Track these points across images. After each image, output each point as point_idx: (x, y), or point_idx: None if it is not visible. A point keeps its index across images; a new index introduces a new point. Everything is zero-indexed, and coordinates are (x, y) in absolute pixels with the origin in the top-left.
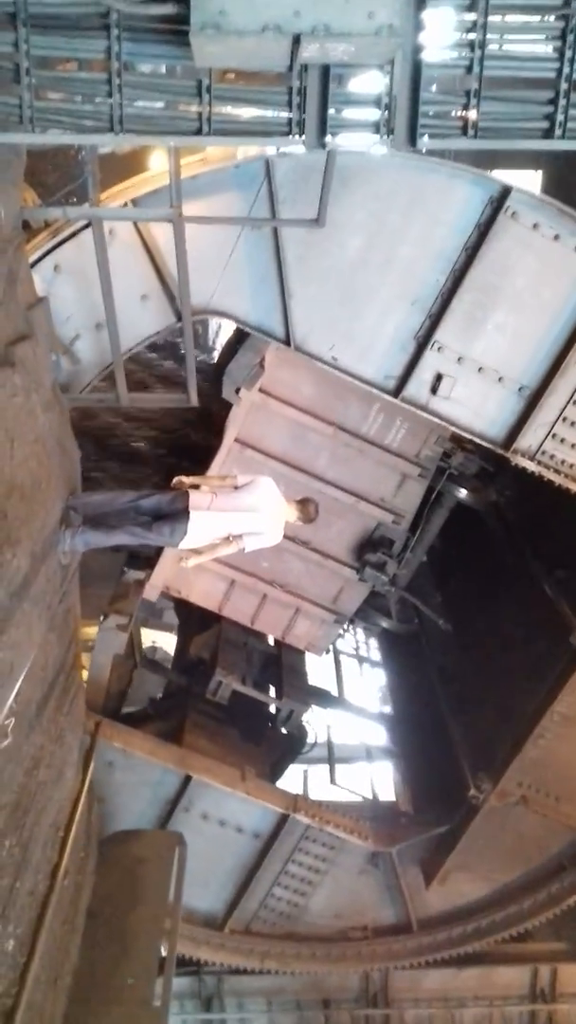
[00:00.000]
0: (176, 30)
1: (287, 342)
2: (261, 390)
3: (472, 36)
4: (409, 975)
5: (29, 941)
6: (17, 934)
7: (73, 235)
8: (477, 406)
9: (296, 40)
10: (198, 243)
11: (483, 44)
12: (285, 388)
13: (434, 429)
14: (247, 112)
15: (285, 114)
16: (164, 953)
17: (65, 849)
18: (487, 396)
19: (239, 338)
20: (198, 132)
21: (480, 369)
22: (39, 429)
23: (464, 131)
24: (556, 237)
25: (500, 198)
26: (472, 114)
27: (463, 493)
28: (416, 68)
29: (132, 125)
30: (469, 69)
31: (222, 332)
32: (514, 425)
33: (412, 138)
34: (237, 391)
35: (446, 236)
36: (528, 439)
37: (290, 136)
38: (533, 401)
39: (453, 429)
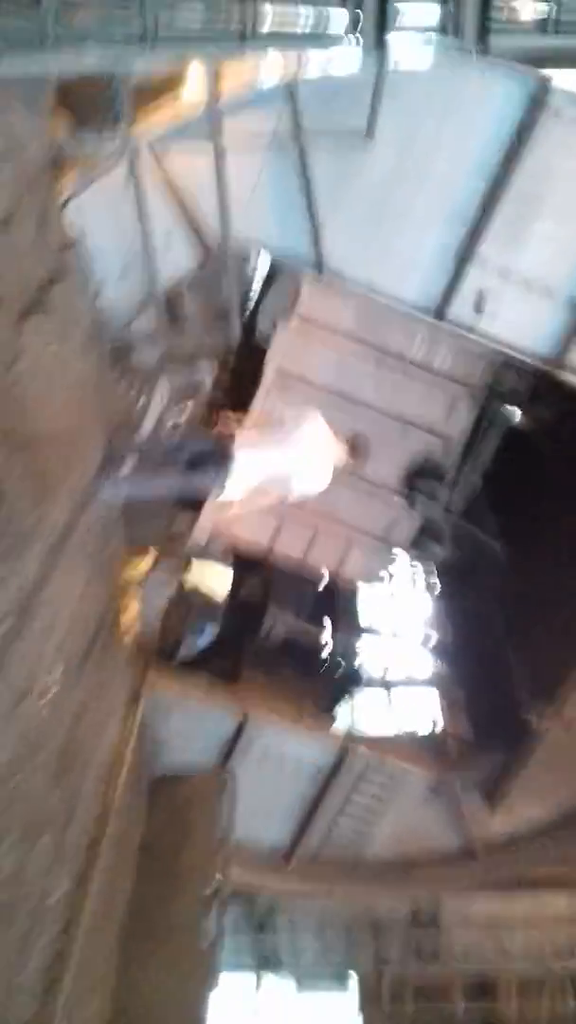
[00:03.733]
0: None
1: (319, 269)
2: (301, 318)
3: None
4: (459, 901)
5: (83, 883)
6: (73, 874)
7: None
8: (524, 323)
9: None
10: None
11: None
12: (324, 315)
13: (482, 349)
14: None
15: (340, 11)
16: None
17: (114, 795)
18: (535, 311)
19: (270, 277)
20: (242, 40)
21: (526, 282)
22: (76, 375)
23: (544, 28)
24: None
25: (540, 95)
26: (551, 7)
27: (515, 414)
28: None
29: (166, 38)
30: None
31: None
32: (565, 340)
33: (482, 37)
34: (274, 325)
35: (484, 142)
36: None
37: (345, 38)
38: None
39: (500, 348)
